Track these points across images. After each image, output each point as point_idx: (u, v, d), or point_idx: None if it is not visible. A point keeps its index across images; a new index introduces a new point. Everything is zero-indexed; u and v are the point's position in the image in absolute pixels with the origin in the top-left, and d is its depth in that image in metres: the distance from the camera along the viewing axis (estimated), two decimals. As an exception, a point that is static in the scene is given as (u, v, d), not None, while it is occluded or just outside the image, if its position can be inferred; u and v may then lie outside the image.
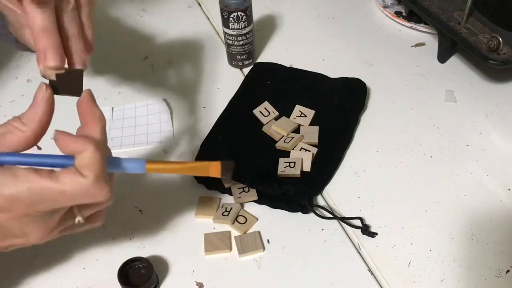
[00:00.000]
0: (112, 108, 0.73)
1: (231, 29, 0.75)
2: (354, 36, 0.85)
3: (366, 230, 0.58)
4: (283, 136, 0.66)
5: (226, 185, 0.62)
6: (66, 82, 0.46)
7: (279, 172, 0.62)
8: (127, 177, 0.65)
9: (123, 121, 0.72)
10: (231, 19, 0.73)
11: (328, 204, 0.62)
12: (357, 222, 0.59)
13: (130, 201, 0.63)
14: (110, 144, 0.68)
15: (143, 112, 0.73)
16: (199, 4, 0.94)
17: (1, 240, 0.43)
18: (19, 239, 0.43)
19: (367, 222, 0.59)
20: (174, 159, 0.67)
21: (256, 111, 0.70)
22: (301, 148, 0.65)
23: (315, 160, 0.64)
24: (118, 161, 0.44)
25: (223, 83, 0.78)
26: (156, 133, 0.70)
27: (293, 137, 0.66)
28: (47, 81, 0.46)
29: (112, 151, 0.68)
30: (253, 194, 0.61)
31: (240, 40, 0.76)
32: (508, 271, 0.55)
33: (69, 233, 0.47)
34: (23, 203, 0.39)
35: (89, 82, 0.73)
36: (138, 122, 0.72)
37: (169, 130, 0.71)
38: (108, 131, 0.70)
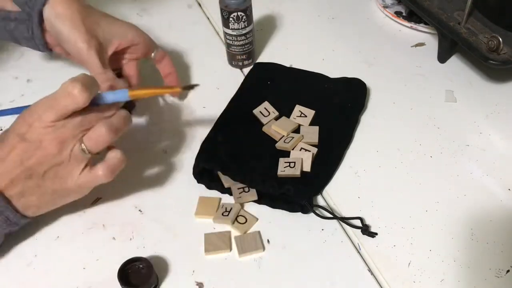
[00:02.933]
0: None
1: (231, 29, 0.75)
2: (354, 36, 0.85)
3: (366, 230, 0.58)
4: (283, 136, 0.66)
5: (226, 185, 0.62)
6: None
7: (279, 172, 0.62)
8: (127, 176, 0.65)
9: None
10: (231, 19, 0.73)
11: (328, 204, 0.62)
12: (357, 222, 0.59)
13: (130, 201, 0.63)
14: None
15: (143, 112, 0.73)
16: (199, 4, 0.94)
17: (28, 156, 0.52)
18: (39, 151, 0.52)
19: (367, 222, 0.59)
20: (174, 159, 0.67)
21: (256, 111, 0.70)
22: (301, 148, 0.65)
23: (315, 160, 0.64)
24: (105, 94, 0.55)
25: (223, 83, 0.78)
26: (156, 132, 0.70)
27: (293, 137, 0.66)
28: None
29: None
30: (253, 194, 0.61)
31: (240, 40, 0.76)
32: (508, 271, 0.55)
33: (88, 180, 0.55)
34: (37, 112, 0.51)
35: (89, 82, 0.74)
36: (138, 122, 0.72)
37: (169, 130, 0.70)
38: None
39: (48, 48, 0.69)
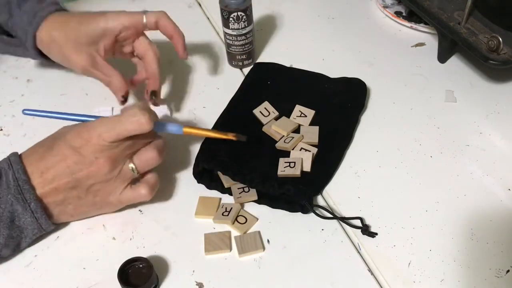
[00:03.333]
0: (112, 108, 0.73)
1: (231, 29, 0.75)
2: (354, 36, 0.85)
3: (366, 230, 0.58)
4: (283, 136, 0.66)
5: (226, 185, 0.62)
6: None
7: (279, 172, 0.62)
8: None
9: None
10: (231, 19, 0.73)
11: (328, 204, 0.62)
12: (357, 222, 0.59)
13: (130, 201, 0.63)
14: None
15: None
16: (199, 4, 0.94)
17: (79, 168, 0.55)
18: (92, 167, 0.55)
19: (367, 222, 0.59)
20: (174, 159, 0.67)
21: (256, 111, 0.70)
22: (301, 148, 0.65)
23: (315, 160, 0.64)
24: (163, 124, 0.61)
25: (223, 83, 0.78)
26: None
27: (293, 137, 0.66)
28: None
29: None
30: (253, 194, 0.61)
31: (240, 40, 0.76)
32: (508, 271, 0.55)
33: (130, 197, 0.59)
34: (96, 131, 0.54)
35: (90, 82, 0.74)
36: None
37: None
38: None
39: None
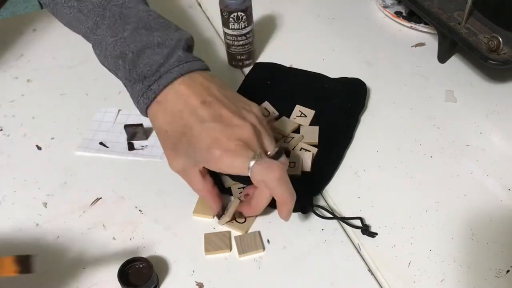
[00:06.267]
0: (119, 111, 0.73)
1: (231, 29, 0.75)
2: (354, 36, 0.85)
3: (366, 230, 0.58)
4: (283, 136, 0.66)
5: (226, 185, 0.62)
6: None
7: (279, 172, 0.62)
8: (127, 176, 0.65)
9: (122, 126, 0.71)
10: (231, 19, 0.73)
11: (328, 204, 0.62)
12: (357, 222, 0.59)
13: (130, 201, 0.63)
14: (107, 148, 0.69)
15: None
16: (199, 4, 0.94)
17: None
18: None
19: (367, 222, 0.59)
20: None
21: (256, 111, 0.70)
22: (301, 148, 0.65)
23: (315, 160, 0.64)
24: None
25: (223, 83, 0.78)
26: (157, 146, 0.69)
27: (293, 137, 0.66)
28: None
29: (106, 156, 0.68)
30: (253, 194, 0.61)
31: (240, 40, 0.76)
32: (508, 271, 0.55)
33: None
34: None
35: (89, 81, 0.74)
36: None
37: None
38: (107, 134, 0.70)
39: None
